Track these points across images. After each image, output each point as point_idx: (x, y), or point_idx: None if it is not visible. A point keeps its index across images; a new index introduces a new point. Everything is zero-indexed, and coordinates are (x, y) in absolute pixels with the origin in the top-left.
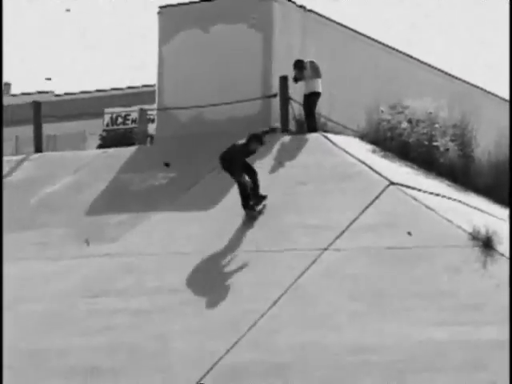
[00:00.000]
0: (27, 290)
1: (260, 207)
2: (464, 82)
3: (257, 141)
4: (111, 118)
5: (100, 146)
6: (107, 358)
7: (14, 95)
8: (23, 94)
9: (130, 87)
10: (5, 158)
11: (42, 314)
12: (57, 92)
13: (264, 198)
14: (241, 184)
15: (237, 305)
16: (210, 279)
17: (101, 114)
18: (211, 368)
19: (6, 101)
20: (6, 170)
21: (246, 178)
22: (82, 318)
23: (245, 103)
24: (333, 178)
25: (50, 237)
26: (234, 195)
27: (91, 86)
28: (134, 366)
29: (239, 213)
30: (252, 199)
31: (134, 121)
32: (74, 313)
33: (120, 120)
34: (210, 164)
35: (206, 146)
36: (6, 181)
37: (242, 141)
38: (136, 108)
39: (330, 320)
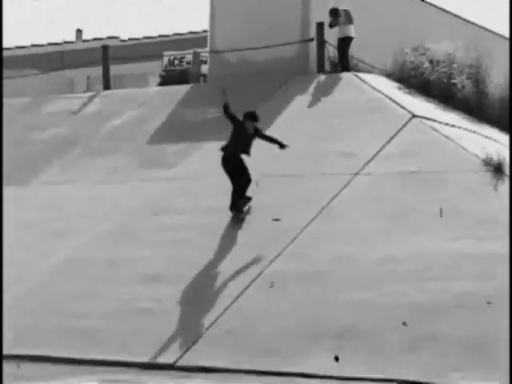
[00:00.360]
0: (99, 209)
1: (246, 208)
2: (478, 26)
3: (251, 119)
4: (169, 59)
5: (159, 85)
6: (168, 267)
7: (85, 40)
8: (94, 39)
9: (190, 32)
10: (78, 95)
11: (112, 229)
12: (123, 37)
13: (250, 199)
14: (237, 184)
15: (278, 222)
16: (255, 200)
17: (160, 57)
18: (256, 277)
19: (79, 45)
20: (79, 105)
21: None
22: (147, 232)
23: (286, 46)
24: (363, 111)
25: (118, 163)
26: (276, 125)
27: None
28: (190, 274)
29: (281, 140)
30: (238, 200)
31: (188, 62)
32: (140, 228)
33: (176, 62)
34: (255, 98)
35: (252, 83)
36: (79, 114)
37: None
38: (191, 51)
39: (360, 235)
